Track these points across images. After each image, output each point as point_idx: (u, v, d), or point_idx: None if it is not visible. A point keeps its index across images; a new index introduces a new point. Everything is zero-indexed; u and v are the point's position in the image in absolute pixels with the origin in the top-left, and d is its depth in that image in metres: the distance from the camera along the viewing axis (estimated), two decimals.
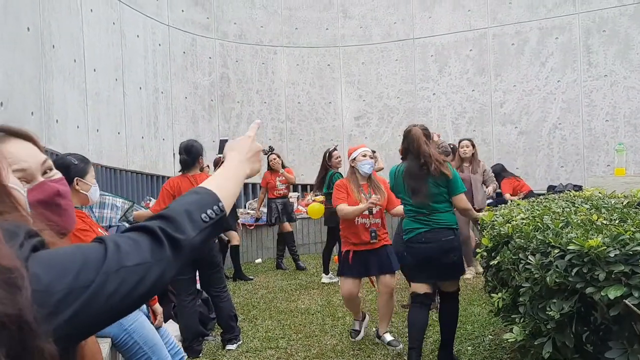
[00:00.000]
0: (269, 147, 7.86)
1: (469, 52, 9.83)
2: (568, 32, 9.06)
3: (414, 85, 10.26)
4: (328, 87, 10.68)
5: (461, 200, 3.86)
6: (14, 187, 0.92)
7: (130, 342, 2.76)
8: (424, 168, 3.76)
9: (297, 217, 8.54)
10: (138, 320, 2.81)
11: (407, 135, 3.92)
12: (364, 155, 4.50)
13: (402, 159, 4.04)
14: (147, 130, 8.11)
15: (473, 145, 6.63)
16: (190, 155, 4.52)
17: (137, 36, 7.94)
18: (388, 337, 4.45)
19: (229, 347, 4.60)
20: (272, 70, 10.52)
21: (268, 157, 7.81)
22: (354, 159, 4.53)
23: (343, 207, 4.38)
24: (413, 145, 3.85)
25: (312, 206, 7.89)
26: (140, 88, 7.94)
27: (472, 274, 6.50)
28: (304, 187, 10.32)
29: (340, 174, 6.59)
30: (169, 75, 8.86)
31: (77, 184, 2.74)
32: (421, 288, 3.88)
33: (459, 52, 9.91)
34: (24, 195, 1.00)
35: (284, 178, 7.89)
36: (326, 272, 7.03)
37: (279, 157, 7.95)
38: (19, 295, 0.63)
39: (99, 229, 2.84)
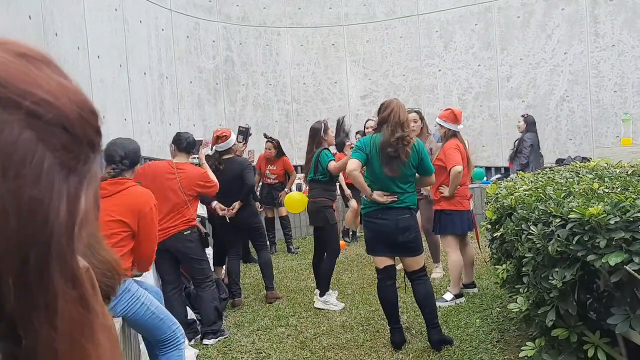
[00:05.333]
0: (264, 134, 7.66)
1: (474, 26, 9.71)
2: (574, 2, 8.91)
3: (420, 62, 10.18)
4: (333, 66, 10.63)
5: (431, 179, 4.01)
6: None
7: (138, 305, 2.86)
8: (399, 140, 3.71)
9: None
10: (139, 288, 2.95)
11: (388, 106, 3.84)
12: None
13: (375, 130, 3.97)
14: (153, 116, 8.15)
15: (421, 119, 5.68)
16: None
17: (140, 22, 7.94)
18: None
19: (205, 341, 4.39)
20: (277, 52, 10.48)
21: (266, 142, 7.54)
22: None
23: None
24: (395, 116, 3.76)
25: (291, 197, 6.20)
26: (145, 73, 7.96)
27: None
28: None
29: (328, 150, 5.14)
30: (173, 60, 8.86)
31: None
32: (382, 262, 3.96)
33: (464, 27, 9.80)
34: None
35: (276, 168, 7.53)
36: (325, 288, 5.12)
37: (274, 146, 7.47)
38: None
39: None
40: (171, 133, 8.54)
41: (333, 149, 5.57)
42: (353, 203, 7.59)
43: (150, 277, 4.14)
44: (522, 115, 8.07)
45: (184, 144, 4.49)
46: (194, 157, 5.10)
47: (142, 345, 3.37)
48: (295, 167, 10.30)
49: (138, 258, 2.98)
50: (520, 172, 4.78)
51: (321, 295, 5.09)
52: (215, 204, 5.31)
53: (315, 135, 5.11)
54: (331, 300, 5.04)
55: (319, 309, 5.03)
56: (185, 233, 4.33)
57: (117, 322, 2.73)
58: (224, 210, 5.25)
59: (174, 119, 8.75)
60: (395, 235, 3.80)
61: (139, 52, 7.84)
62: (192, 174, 4.38)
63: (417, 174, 3.91)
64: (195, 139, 5.22)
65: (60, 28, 5.66)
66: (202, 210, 6.15)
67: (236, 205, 5.23)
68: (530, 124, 7.79)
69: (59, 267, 0.50)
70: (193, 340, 4.43)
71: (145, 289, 3.13)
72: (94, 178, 0.53)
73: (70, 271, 0.52)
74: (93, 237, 1.20)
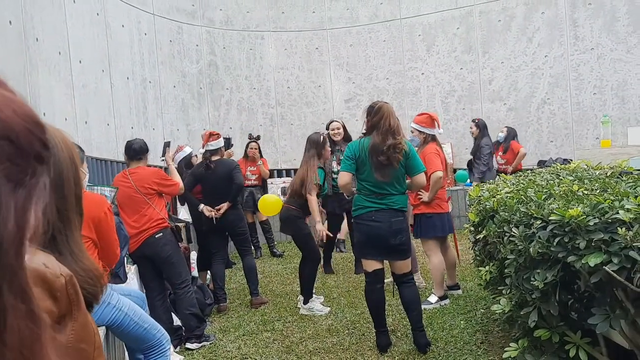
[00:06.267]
0: (257, 135, 7.79)
1: (456, 30, 9.81)
2: (554, 6, 9.05)
3: (403, 66, 10.25)
4: (317, 70, 10.65)
5: (421, 178, 3.88)
6: None
7: (122, 317, 2.84)
8: (391, 148, 3.72)
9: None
10: (121, 299, 2.92)
11: (379, 111, 3.83)
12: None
13: (364, 134, 3.97)
14: (137, 121, 8.10)
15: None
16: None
17: (122, 26, 7.88)
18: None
19: (188, 345, 4.39)
20: (260, 56, 10.48)
21: (248, 144, 7.67)
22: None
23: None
24: (385, 122, 3.77)
25: (265, 199, 5.68)
26: (128, 78, 7.91)
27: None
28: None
29: (322, 169, 5.19)
30: (157, 65, 8.81)
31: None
32: (371, 265, 3.95)
33: (446, 31, 9.89)
34: None
35: (256, 169, 7.66)
36: (308, 296, 5.18)
37: (259, 147, 7.72)
38: None
39: None
40: (155, 138, 8.54)
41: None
42: None
43: (134, 285, 4.12)
44: (473, 121, 8.01)
45: (130, 152, 4.52)
46: (162, 159, 5.13)
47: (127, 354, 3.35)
48: (280, 170, 10.34)
49: (106, 262, 2.91)
50: (479, 182, 4.85)
51: (305, 302, 5.12)
52: (202, 207, 5.30)
53: (316, 147, 5.11)
54: (315, 307, 5.07)
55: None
56: (156, 236, 4.32)
57: (101, 331, 2.71)
58: (211, 211, 5.24)
59: (157, 123, 8.70)
60: (388, 238, 3.78)
61: (122, 57, 7.78)
62: (144, 174, 4.41)
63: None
64: (166, 142, 5.28)
65: (41, 33, 5.60)
66: (186, 215, 6.13)
67: (224, 206, 5.22)
68: (483, 128, 7.79)
69: (8, 282, 0.48)
70: (178, 347, 4.41)
71: (128, 294, 3.12)
72: (44, 191, 0.51)
73: (19, 285, 0.49)
74: (77, 246, 1.21)
